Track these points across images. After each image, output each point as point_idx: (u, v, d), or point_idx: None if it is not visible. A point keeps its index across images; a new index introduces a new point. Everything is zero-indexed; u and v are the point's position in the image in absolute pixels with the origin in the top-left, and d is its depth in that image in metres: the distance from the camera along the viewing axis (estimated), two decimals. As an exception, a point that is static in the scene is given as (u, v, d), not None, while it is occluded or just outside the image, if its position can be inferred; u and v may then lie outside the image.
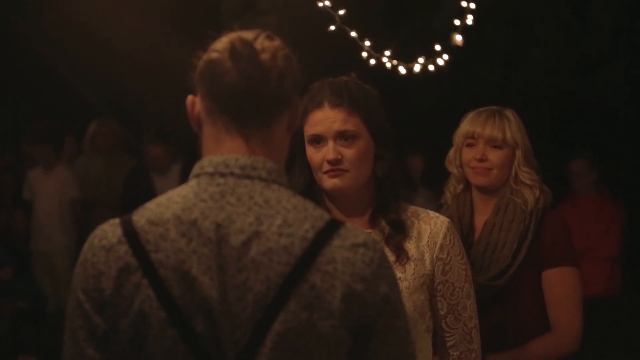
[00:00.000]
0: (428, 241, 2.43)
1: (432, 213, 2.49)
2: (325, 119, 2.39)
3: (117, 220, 1.67)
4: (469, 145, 3.07)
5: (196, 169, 1.68)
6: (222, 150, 1.67)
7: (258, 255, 1.58)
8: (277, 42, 1.68)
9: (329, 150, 2.38)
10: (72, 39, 7.85)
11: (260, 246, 1.58)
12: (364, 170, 2.41)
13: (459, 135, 3.11)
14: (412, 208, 2.49)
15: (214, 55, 1.66)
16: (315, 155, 2.42)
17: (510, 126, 3.04)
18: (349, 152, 2.38)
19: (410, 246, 2.42)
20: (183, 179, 1.88)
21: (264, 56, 1.65)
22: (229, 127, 1.67)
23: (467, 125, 3.08)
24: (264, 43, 1.66)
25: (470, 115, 3.10)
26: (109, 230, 1.66)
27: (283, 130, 1.71)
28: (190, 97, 1.72)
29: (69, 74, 8.63)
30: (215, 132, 1.68)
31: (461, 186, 3.15)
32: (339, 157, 2.38)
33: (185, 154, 7.09)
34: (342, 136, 2.38)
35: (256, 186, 1.63)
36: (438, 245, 2.43)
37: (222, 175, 1.64)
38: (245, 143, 1.66)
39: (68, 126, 7.69)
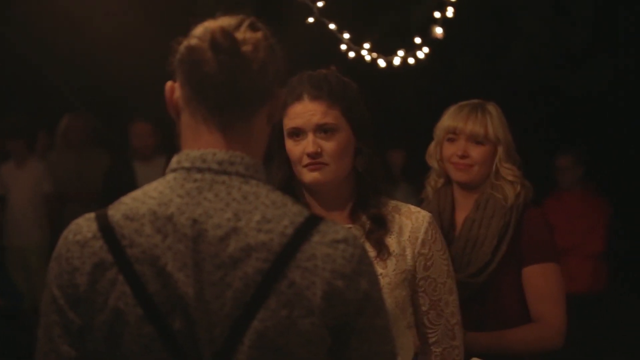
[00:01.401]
0: (409, 236, 2.41)
1: (413, 208, 2.47)
2: (305, 111, 2.37)
3: (92, 215, 1.64)
4: (450, 140, 3.04)
5: (173, 164, 1.65)
6: (200, 144, 1.63)
7: (236, 251, 1.55)
8: (259, 33, 1.63)
9: (308, 143, 2.36)
10: (45, 29, 7.75)
11: (238, 242, 1.55)
12: (344, 164, 2.39)
13: (440, 129, 3.07)
14: (393, 203, 2.46)
15: (194, 42, 1.62)
16: (294, 148, 2.39)
17: (492, 121, 3.01)
18: (328, 145, 2.36)
19: (392, 241, 2.40)
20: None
21: (245, 48, 1.60)
22: (207, 119, 1.63)
23: (448, 119, 3.05)
24: (246, 34, 1.62)
25: (452, 109, 3.07)
26: (84, 224, 1.63)
27: (263, 123, 1.67)
28: (169, 83, 1.68)
29: (43, 65, 8.52)
30: (194, 123, 1.64)
31: (442, 180, 3.12)
32: (319, 150, 2.35)
33: (170, 147, 6.95)
34: (322, 129, 2.36)
35: (234, 182, 1.60)
36: (419, 240, 2.41)
37: (200, 170, 1.61)
38: (223, 136, 1.63)
39: (41, 120, 7.61)
